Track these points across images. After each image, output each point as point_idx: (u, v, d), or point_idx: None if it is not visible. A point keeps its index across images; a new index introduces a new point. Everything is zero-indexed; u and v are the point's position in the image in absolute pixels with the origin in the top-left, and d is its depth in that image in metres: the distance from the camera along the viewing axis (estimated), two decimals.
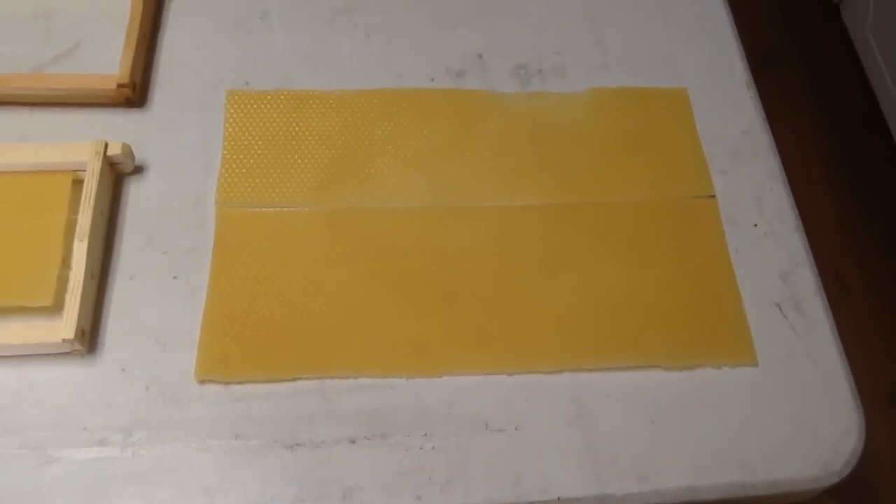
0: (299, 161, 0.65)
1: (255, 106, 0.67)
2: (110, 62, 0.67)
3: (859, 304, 1.36)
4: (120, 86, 0.64)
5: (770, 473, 0.55)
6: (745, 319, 0.61)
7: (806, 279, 0.63)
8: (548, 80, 0.71)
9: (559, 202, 0.65)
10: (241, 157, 0.65)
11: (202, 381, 0.56)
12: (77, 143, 0.61)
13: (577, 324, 0.60)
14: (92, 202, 0.59)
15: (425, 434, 0.55)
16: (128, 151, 0.62)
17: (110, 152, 0.61)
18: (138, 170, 0.64)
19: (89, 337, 0.57)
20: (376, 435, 0.55)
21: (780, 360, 0.59)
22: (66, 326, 0.54)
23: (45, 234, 0.59)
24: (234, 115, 0.67)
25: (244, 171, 0.64)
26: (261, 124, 0.67)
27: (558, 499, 0.54)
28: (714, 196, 0.66)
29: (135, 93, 0.66)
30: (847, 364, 0.60)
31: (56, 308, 0.57)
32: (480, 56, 0.72)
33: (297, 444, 0.54)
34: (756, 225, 0.65)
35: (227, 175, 0.64)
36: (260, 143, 0.66)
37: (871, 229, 1.41)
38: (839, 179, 1.43)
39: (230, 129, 0.66)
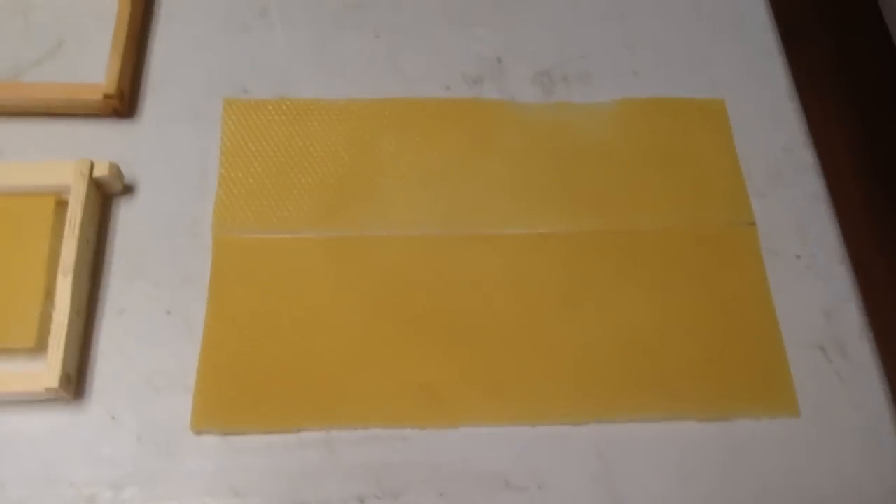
0: (303, 180, 0.60)
1: (254, 117, 0.62)
2: (96, 63, 0.61)
3: (880, 292, 1.31)
4: (107, 96, 0.59)
5: None
6: (787, 364, 0.56)
7: (852, 318, 0.58)
8: (573, 88, 0.65)
9: (583, 230, 0.60)
10: (240, 175, 0.60)
11: (199, 432, 0.52)
12: (60, 162, 0.56)
13: (602, 369, 0.55)
14: (77, 232, 0.53)
15: (440, 493, 0.51)
16: (115, 172, 0.57)
17: (97, 173, 0.56)
18: (127, 190, 0.59)
19: (75, 382, 0.52)
20: (387, 493, 0.51)
21: (822, 410, 0.55)
22: (49, 374, 0.50)
23: (25, 265, 0.54)
24: (232, 128, 0.61)
25: (243, 191, 0.59)
26: (261, 138, 0.61)
27: None
28: (753, 223, 0.61)
29: (122, 103, 0.60)
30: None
31: (39, 348, 0.52)
32: (499, 60, 0.66)
33: (301, 503, 0.50)
34: (799, 256, 0.60)
35: (224, 196, 0.59)
36: (260, 159, 0.60)
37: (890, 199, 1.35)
38: (864, 159, 1.37)
39: (228, 144, 0.61)
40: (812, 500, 0.52)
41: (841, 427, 0.55)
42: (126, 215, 0.58)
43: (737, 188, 0.62)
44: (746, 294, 0.58)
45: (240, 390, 0.53)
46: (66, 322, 0.51)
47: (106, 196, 0.58)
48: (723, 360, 0.56)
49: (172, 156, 0.60)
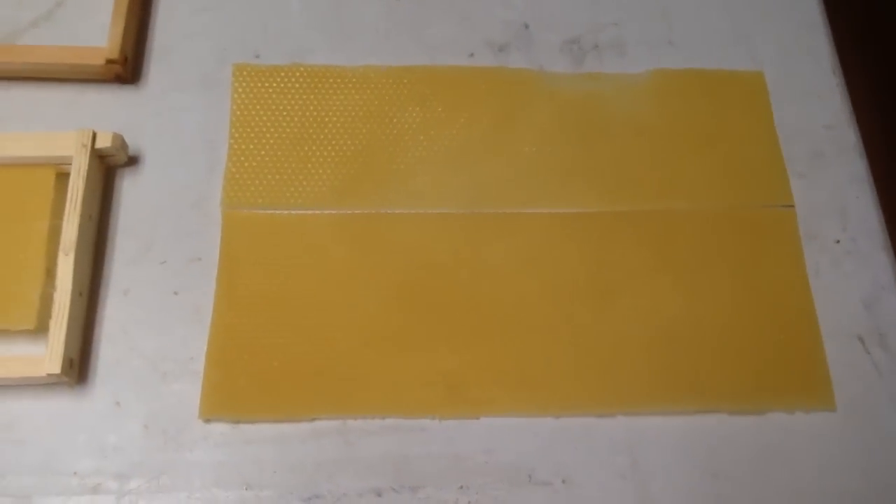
0: (318, 153, 0.57)
1: (266, 84, 0.58)
2: (98, 25, 0.58)
3: None
4: (109, 61, 0.55)
5: None
6: (824, 356, 0.53)
7: (893, 307, 0.55)
8: (604, 58, 0.62)
9: (613, 210, 0.56)
10: (251, 147, 0.56)
11: (207, 420, 0.49)
12: (60, 133, 0.52)
13: (631, 358, 0.52)
14: (79, 207, 0.50)
15: (460, 486, 0.49)
16: (119, 143, 0.53)
17: (99, 144, 0.53)
18: (132, 161, 0.56)
19: (78, 366, 0.50)
20: (405, 486, 0.49)
21: (860, 403, 0.52)
22: (50, 359, 0.47)
23: (24, 243, 0.51)
24: (243, 96, 0.58)
25: (254, 164, 0.56)
26: (273, 107, 0.58)
27: None
28: (792, 205, 0.57)
29: (126, 68, 0.57)
30: None
31: (40, 330, 0.49)
32: (527, 26, 0.62)
33: (316, 496, 0.48)
34: (838, 241, 0.57)
35: (234, 170, 0.56)
36: (272, 130, 0.57)
37: None
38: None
39: (238, 113, 0.57)
40: (848, 498, 0.50)
41: (879, 422, 0.52)
42: (130, 189, 0.55)
43: (775, 168, 0.59)
44: (783, 280, 0.55)
45: (251, 376, 0.50)
46: (67, 303, 0.49)
47: (109, 168, 0.55)
48: (756, 349, 0.53)
49: (179, 125, 0.57)
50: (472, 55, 0.61)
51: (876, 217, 0.58)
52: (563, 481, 0.49)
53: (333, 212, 0.55)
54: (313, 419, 0.50)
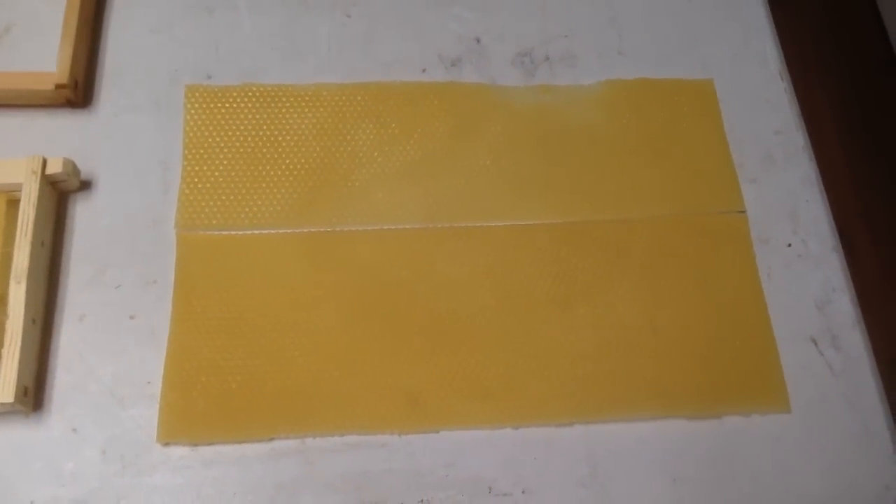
0: (272, 172, 0.57)
1: (218, 105, 0.58)
2: (47, 50, 0.57)
3: (872, 280, 1.30)
4: (59, 86, 0.55)
5: None
6: (778, 359, 0.54)
7: (844, 308, 0.56)
8: (556, 70, 0.62)
9: (568, 220, 0.57)
10: (205, 168, 0.56)
11: (166, 444, 0.49)
12: (9, 160, 0.52)
13: (591, 368, 0.53)
14: (30, 234, 0.50)
15: (421, 500, 0.49)
16: (71, 168, 0.53)
17: (50, 170, 0.52)
18: (84, 186, 0.55)
19: (33, 394, 0.49)
20: (366, 503, 0.49)
21: (814, 404, 0.53)
22: (4, 388, 0.47)
23: None
24: (196, 117, 0.58)
25: (208, 185, 0.56)
26: (226, 127, 0.58)
27: None
28: (744, 211, 0.58)
29: (77, 93, 0.56)
30: (888, 408, 0.53)
31: None
32: (478, 40, 0.63)
33: None
34: (790, 244, 0.58)
35: (188, 192, 0.55)
36: (225, 150, 0.57)
37: (881, 182, 1.34)
38: (857, 141, 1.35)
39: (191, 134, 0.57)
40: (805, 497, 0.51)
41: (833, 422, 0.53)
42: (83, 214, 0.55)
43: (726, 174, 0.59)
44: (736, 285, 0.56)
45: (209, 398, 0.50)
46: (20, 331, 0.48)
47: (61, 194, 0.55)
48: (712, 355, 0.54)
49: (132, 148, 0.57)
50: (424, 70, 0.61)
51: (826, 219, 0.59)
52: (524, 492, 0.50)
53: (289, 231, 0.55)
54: (272, 439, 0.50)
